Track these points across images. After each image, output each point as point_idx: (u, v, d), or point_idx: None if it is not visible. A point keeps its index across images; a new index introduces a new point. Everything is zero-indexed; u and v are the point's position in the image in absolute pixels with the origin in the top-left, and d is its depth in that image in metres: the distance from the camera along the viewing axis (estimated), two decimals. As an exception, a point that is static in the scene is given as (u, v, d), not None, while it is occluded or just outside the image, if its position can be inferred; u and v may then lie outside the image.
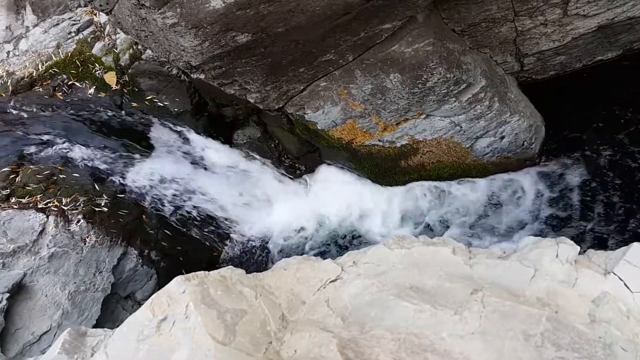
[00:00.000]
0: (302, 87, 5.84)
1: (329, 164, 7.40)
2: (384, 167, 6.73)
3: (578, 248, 3.54)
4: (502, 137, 6.14)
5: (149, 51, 6.80)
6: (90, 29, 7.70)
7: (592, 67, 6.54)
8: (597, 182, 6.26)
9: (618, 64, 6.51)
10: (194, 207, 7.14)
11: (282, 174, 7.45)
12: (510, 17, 5.73)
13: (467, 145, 6.22)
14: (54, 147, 6.74)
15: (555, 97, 6.77)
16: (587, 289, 3.28)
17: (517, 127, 6.07)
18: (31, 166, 6.50)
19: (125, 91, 7.02)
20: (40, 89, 7.07)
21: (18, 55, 7.70)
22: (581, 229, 6.07)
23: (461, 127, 5.98)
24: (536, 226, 6.34)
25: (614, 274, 3.26)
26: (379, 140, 6.29)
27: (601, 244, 5.86)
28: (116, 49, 7.16)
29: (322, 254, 7.00)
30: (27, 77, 7.08)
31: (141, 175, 6.91)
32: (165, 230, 6.84)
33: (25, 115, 6.90)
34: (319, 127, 6.23)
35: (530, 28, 5.85)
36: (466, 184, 6.75)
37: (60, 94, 7.01)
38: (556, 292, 3.29)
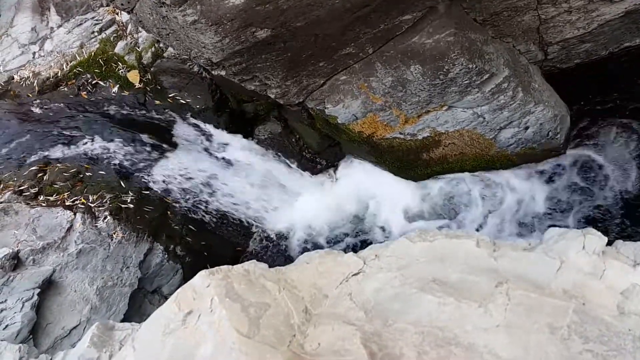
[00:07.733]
0: (322, 81, 5.83)
1: (350, 158, 7.39)
2: (406, 161, 6.68)
3: (605, 239, 3.48)
4: (527, 128, 6.04)
5: (170, 49, 6.87)
6: (113, 28, 7.82)
7: (618, 54, 6.38)
8: (624, 172, 6.13)
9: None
10: (218, 202, 7.20)
11: (304, 168, 7.46)
12: (533, 5, 5.62)
13: (491, 137, 6.13)
14: (80, 146, 6.85)
15: (581, 85, 6.63)
16: (616, 280, 3.22)
17: (541, 117, 5.97)
18: (58, 164, 6.62)
19: (148, 89, 7.11)
20: (66, 89, 7.21)
21: (43, 56, 7.86)
22: (608, 220, 5.96)
23: (484, 118, 5.90)
24: (562, 218, 6.24)
25: (644, 265, 3.20)
26: (400, 133, 6.25)
27: (630, 235, 5.73)
28: (138, 48, 7.25)
29: (344, 248, 7.00)
30: (52, 77, 7.24)
31: (165, 171, 6.98)
32: (190, 226, 6.90)
33: (52, 115, 7.05)
34: (339, 121, 6.22)
35: (554, 16, 5.73)
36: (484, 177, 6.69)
37: (84, 93, 7.14)
38: (583, 284, 3.24)
